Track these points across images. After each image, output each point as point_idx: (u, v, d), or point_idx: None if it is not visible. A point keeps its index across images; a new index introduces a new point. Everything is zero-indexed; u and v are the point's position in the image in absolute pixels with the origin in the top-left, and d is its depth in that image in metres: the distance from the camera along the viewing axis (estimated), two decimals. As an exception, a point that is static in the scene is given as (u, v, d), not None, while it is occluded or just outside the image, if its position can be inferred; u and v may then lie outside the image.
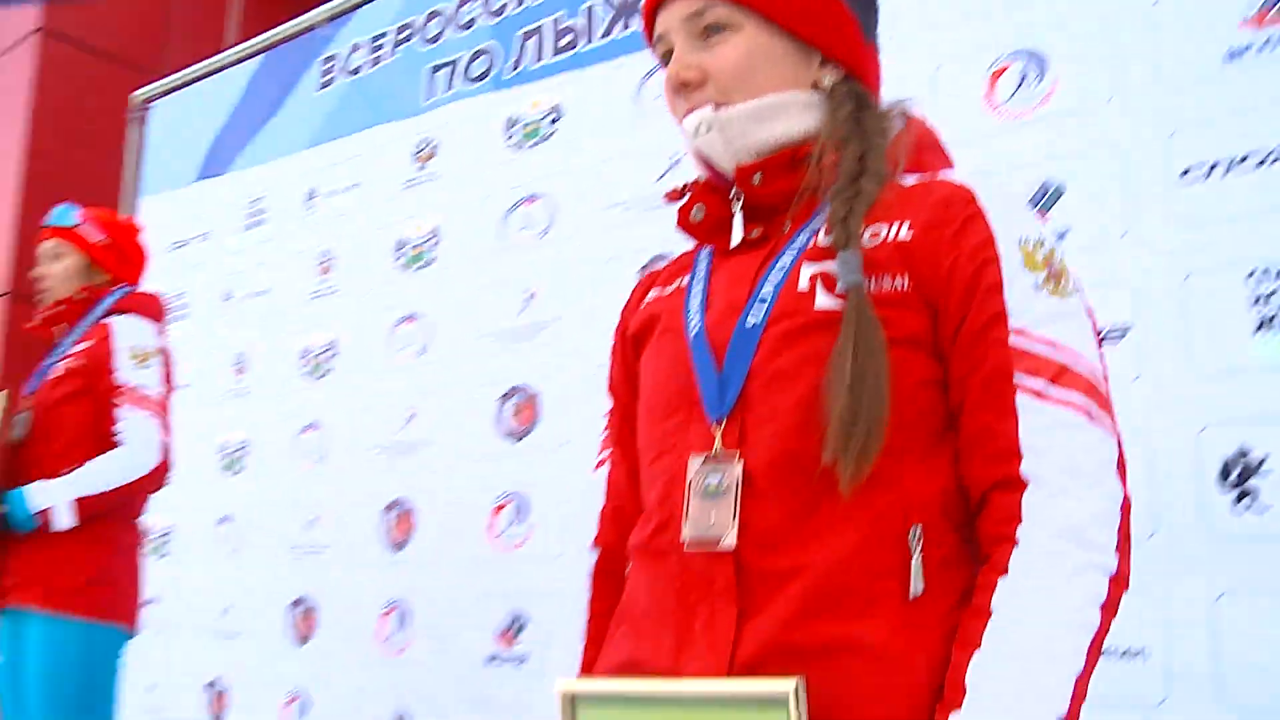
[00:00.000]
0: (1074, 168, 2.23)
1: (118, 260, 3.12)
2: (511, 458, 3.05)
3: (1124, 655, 2.02)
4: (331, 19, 4.07)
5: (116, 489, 2.83)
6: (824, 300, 1.13)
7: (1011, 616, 1.02)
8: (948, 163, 1.29)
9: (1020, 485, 1.06)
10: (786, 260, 1.19)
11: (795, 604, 1.07)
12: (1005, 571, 1.04)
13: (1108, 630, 1.04)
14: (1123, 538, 1.05)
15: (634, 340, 1.35)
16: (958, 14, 2.49)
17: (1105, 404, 1.09)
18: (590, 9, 3.19)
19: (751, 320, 1.17)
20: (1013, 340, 1.09)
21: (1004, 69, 2.37)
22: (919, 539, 1.07)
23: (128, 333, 2.96)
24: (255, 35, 4.49)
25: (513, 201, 3.23)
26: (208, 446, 3.97)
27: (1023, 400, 1.08)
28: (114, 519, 2.92)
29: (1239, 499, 1.99)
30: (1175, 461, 2.06)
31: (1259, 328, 2.04)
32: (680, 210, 1.30)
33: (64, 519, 2.77)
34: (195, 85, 4.60)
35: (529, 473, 3.01)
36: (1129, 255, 2.16)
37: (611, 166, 3.01)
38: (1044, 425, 1.06)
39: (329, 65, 4.00)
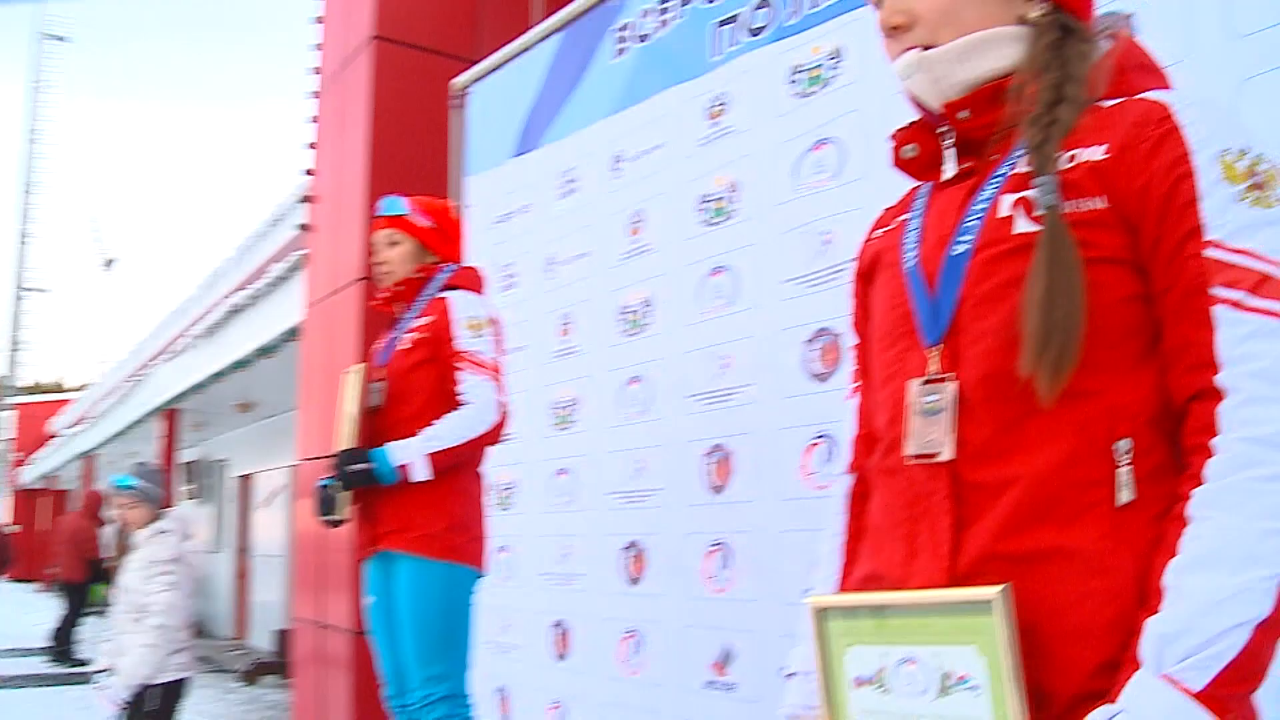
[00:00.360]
0: None
1: (443, 241, 3.46)
2: (819, 399, 3.11)
3: None
4: (622, -12, 4.22)
5: (464, 444, 3.18)
6: (1023, 225, 1.17)
7: (1208, 523, 1.04)
8: (1159, 81, 1.27)
9: (1217, 395, 1.07)
10: (990, 190, 1.23)
11: (1007, 514, 1.13)
12: (1201, 480, 1.06)
13: None
14: None
15: (864, 277, 1.44)
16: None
17: None
18: (865, -56, 3.16)
19: (958, 250, 1.23)
20: (1211, 253, 1.10)
21: None
22: (1128, 450, 1.10)
23: (463, 306, 3.30)
24: (556, 13, 4.71)
25: (804, 148, 3.26)
26: (541, 404, 4.25)
27: (1221, 312, 1.08)
28: (463, 471, 3.26)
29: None
30: None
31: None
32: (894, 149, 1.35)
33: (420, 472, 3.13)
34: (505, 68, 4.88)
35: (837, 413, 3.06)
36: None
37: (894, 104, 2.98)
38: (1241, 335, 1.07)
39: (622, 34, 4.15)
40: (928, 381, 1.24)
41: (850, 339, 1.54)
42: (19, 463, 32.92)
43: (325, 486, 3.30)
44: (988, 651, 1.08)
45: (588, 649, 3.86)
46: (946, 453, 1.19)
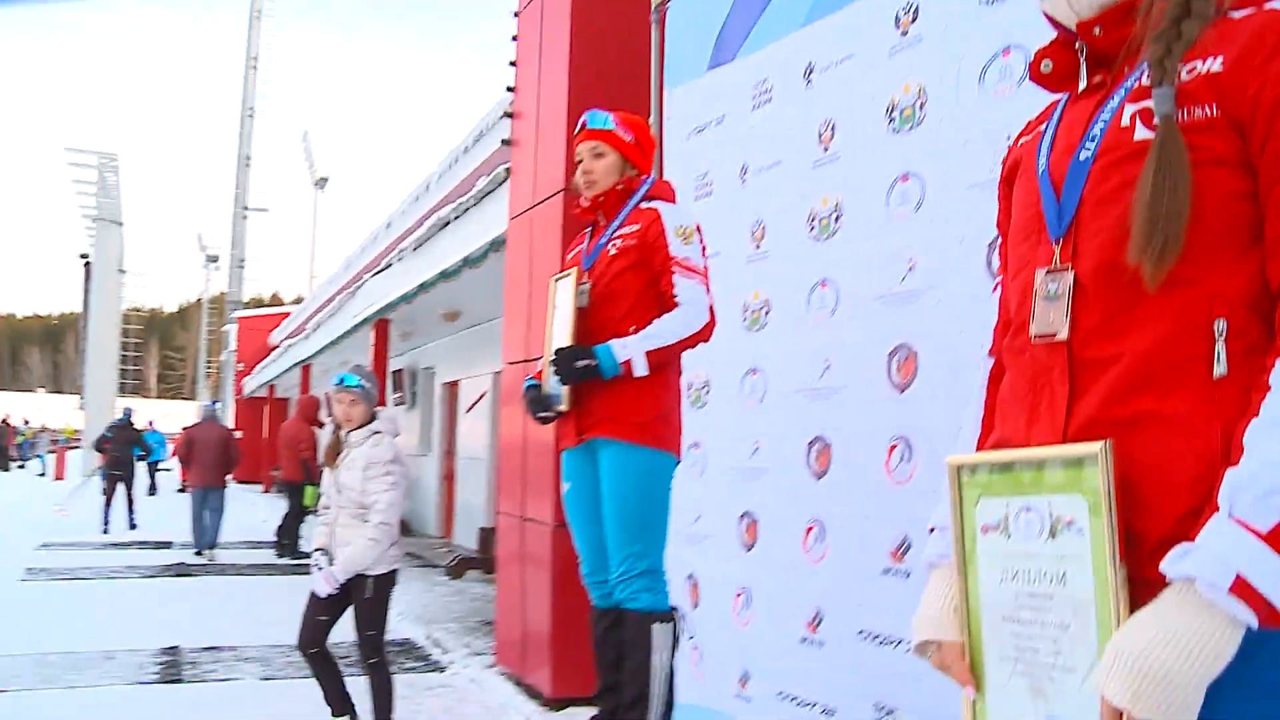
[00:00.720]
0: None
1: (642, 156, 3.68)
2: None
3: None
4: (816, -101, 4.27)
5: (678, 342, 3.45)
6: (1142, 133, 1.31)
7: None
8: None
9: None
10: (1115, 101, 1.37)
11: (1113, 384, 1.30)
12: None
13: None
14: None
15: (1006, 181, 1.61)
16: None
17: None
18: None
19: (1083, 155, 1.38)
20: None
21: None
22: (1224, 330, 1.24)
23: (673, 216, 3.53)
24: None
25: (989, 55, 3.31)
26: (734, 307, 4.43)
27: None
28: (668, 367, 3.50)
29: None
30: None
31: None
32: (1031, 65, 1.50)
33: (640, 367, 3.39)
34: (701, -18, 5.01)
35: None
36: None
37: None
38: None
39: (816, -56, 4.22)
40: (1050, 271, 1.40)
41: (996, 236, 1.68)
42: (243, 373, 35.10)
43: (535, 386, 3.58)
44: (1090, 498, 1.27)
45: (772, 540, 4.08)
46: (1063, 333, 1.37)
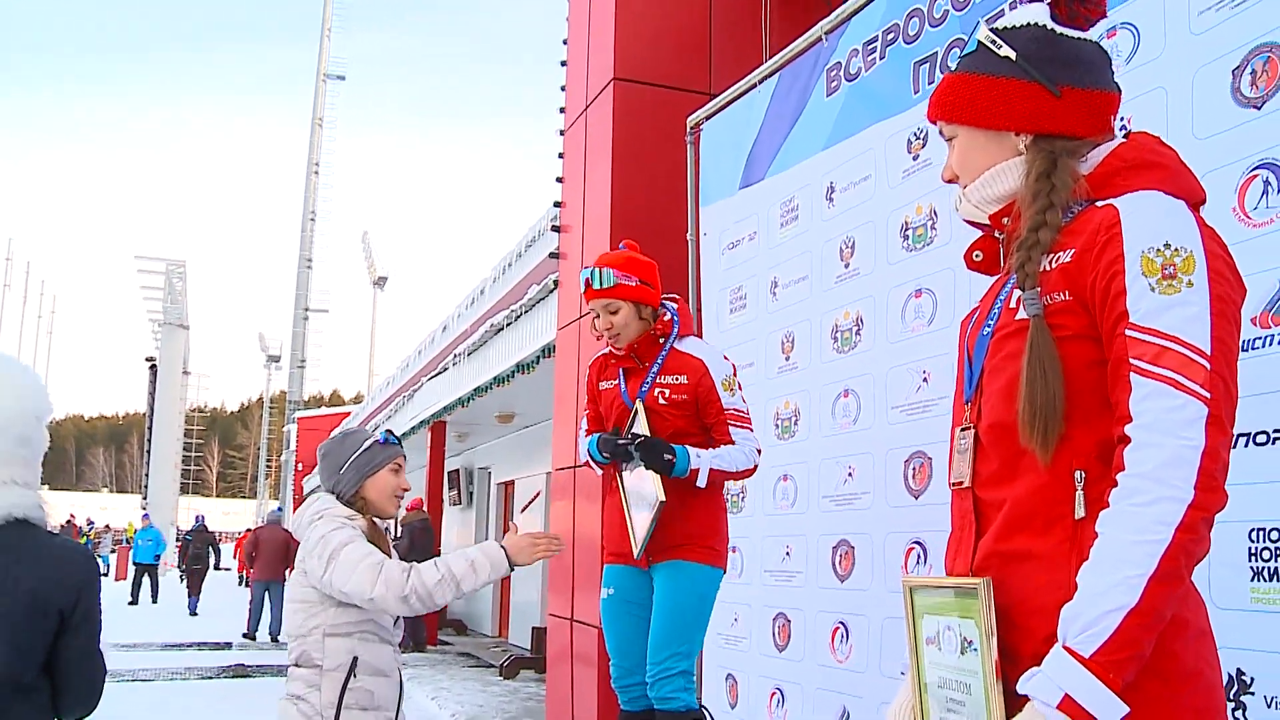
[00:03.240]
0: None
1: (649, 290, 3.81)
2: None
3: None
4: (831, 31, 4.57)
5: (734, 473, 3.71)
6: (1023, 312, 1.59)
7: (1106, 536, 1.43)
8: (1147, 178, 1.62)
9: (1125, 440, 1.46)
10: (1009, 284, 1.66)
11: (1000, 525, 1.59)
12: (1109, 506, 1.44)
13: (1189, 545, 1.40)
14: (1202, 474, 1.40)
15: (960, 340, 1.86)
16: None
17: (1200, 374, 1.43)
18: (1047, -11, 3.42)
19: (985, 330, 1.69)
20: (1129, 332, 1.48)
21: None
22: (1083, 478, 1.51)
23: (718, 369, 3.74)
24: (781, 50, 5.10)
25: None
26: (768, 416, 4.64)
27: (1131, 377, 1.46)
28: (717, 491, 3.73)
29: None
30: None
31: None
32: (965, 256, 1.82)
33: (702, 479, 3.61)
34: (732, 106, 5.32)
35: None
36: None
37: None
38: (1141, 395, 1.45)
39: (834, 73, 4.51)
40: (962, 429, 1.71)
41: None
42: (302, 473, 35.60)
43: (620, 443, 3.70)
44: (978, 623, 1.54)
45: (803, 640, 4.23)
46: (967, 481, 1.68)
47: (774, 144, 4.95)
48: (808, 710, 4.13)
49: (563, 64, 7.63)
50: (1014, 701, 1.46)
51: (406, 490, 3.27)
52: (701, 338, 3.94)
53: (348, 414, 34.57)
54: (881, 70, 4.19)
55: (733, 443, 3.67)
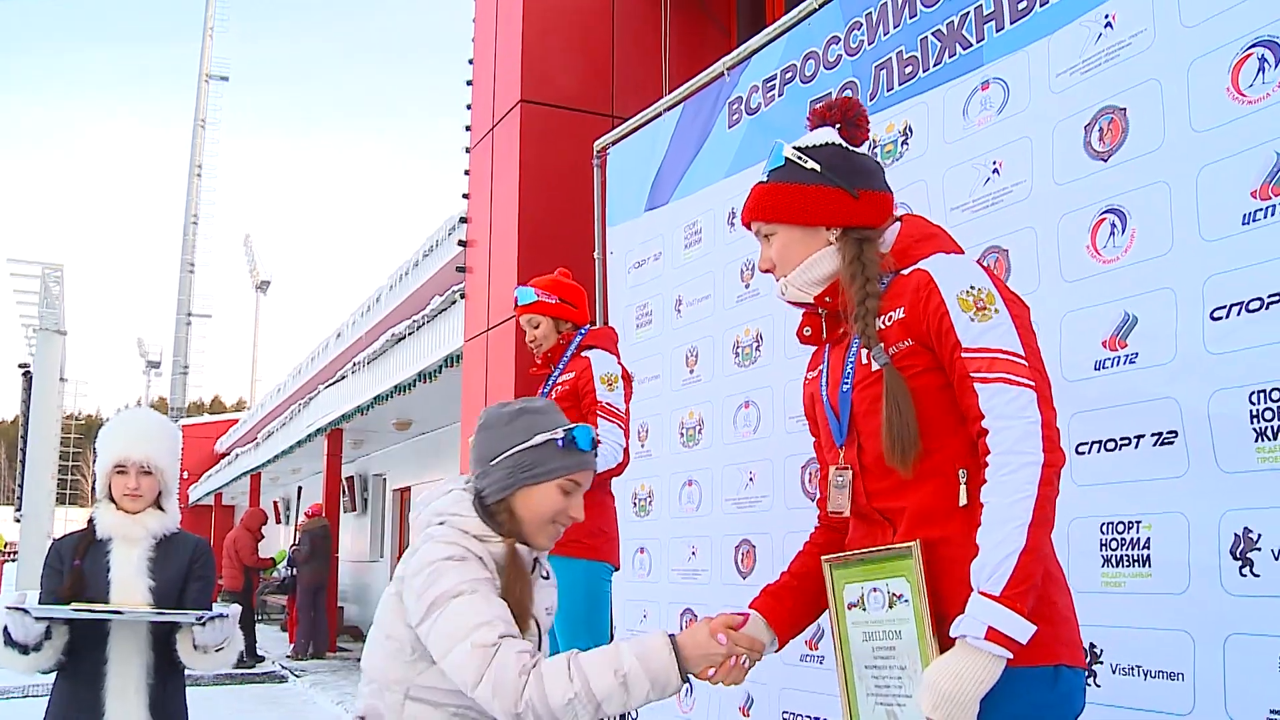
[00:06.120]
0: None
1: (571, 309, 4.31)
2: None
3: None
4: (733, 67, 4.92)
5: (598, 475, 3.95)
6: (875, 365, 2.02)
7: (990, 502, 1.85)
8: (933, 245, 2.13)
9: (985, 432, 1.91)
10: (855, 346, 2.10)
11: (910, 522, 1.99)
12: (986, 481, 1.88)
13: (1049, 494, 1.83)
14: (1045, 440, 1.85)
15: (809, 409, 2.32)
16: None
17: (1023, 370, 1.90)
18: (924, 39, 3.82)
19: (845, 386, 2.12)
20: (964, 354, 1.94)
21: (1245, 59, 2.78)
22: (964, 476, 1.95)
23: (600, 364, 4.11)
24: (683, 82, 5.44)
25: (883, 212, 3.92)
26: (673, 425, 4.98)
27: (976, 386, 1.92)
28: (595, 489, 4.02)
29: None
30: None
31: None
32: (797, 332, 2.27)
33: None
34: (638, 132, 5.64)
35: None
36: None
37: (952, 175, 3.63)
38: (988, 395, 1.91)
39: (735, 106, 4.86)
40: (838, 469, 2.14)
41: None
42: (188, 481, 34.90)
43: None
44: (910, 579, 1.94)
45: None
46: (846, 511, 2.12)
47: (678, 170, 5.28)
48: (715, 699, 4.47)
49: (468, 83, 7.88)
50: (943, 646, 1.86)
51: (576, 521, 2.42)
52: (615, 355, 4.26)
53: (234, 421, 34.06)
54: (780, 106, 4.55)
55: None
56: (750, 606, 2.26)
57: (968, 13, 3.64)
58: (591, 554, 3.98)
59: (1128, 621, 2.84)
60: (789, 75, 4.52)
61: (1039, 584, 1.84)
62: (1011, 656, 1.79)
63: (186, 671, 3.32)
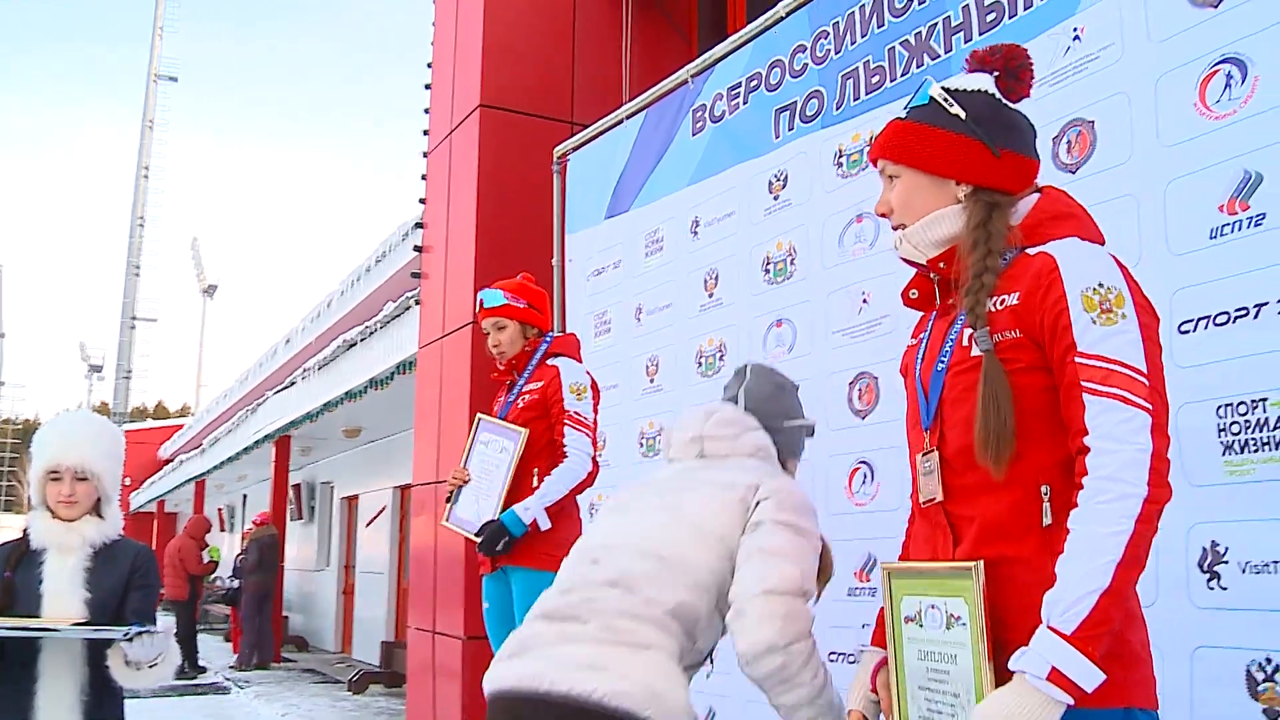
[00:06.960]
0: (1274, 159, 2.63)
1: (538, 315, 4.22)
2: (859, 431, 3.75)
3: None
4: (697, 74, 4.91)
5: (568, 492, 3.95)
6: (976, 349, 1.84)
7: (1078, 532, 1.68)
8: (1068, 227, 1.91)
9: (1085, 450, 1.72)
10: (958, 324, 1.92)
11: (977, 535, 1.84)
12: (1078, 506, 1.70)
13: (1146, 532, 1.66)
14: (1153, 472, 1.67)
15: (904, 375, 2.12)
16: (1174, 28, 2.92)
17: (1142, 390, 1.71)
18: (891, 49, 3.82)
19: (940, 366, 1.94)
20: (1078, 359, 1.74)
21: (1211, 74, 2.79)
22: (1048, 491, 1.78)
23: (569, 373, 4.06)
24: (644, 89, 5.41)
25: (846, 220, 3.92)
26: (632, 434, 4.93)
27: (1084, 397, 1.73)
28: (566, 499, 3.98)
29: None
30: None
31: None
32: (903, 293, 2.07)
33: (544, 522, 3.89)
34: (598, 139, 5.60)
35: (874, 443, 3.70)
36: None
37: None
38: (1096, 411, 1.71)
39: (699, 114, 4.84)
40: (924, 454, 1.95)
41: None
42: (129, 488, 34.34)
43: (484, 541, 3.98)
44: (970, 601, 1.77)
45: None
46: (939, 497, 1.91)
47: (640, 177, 5.25)
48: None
49: (426, 87, 7.80)
50: (1000, 678, 1.71)
51: None
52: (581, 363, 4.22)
53: (179, 426, 33.57)
54: (745, 114, 4.53)
55: (564, 449, 3.94)
56: (873, 644, 2.10)
57: (936, 24, 3.64)
58: (555, 565, 3.92)
59: (1094, 634, 2.82)
60: (754, 83, 4.51)
61: (1116, 628, 1.67)
62: (1072, 703, 1.63)
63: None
